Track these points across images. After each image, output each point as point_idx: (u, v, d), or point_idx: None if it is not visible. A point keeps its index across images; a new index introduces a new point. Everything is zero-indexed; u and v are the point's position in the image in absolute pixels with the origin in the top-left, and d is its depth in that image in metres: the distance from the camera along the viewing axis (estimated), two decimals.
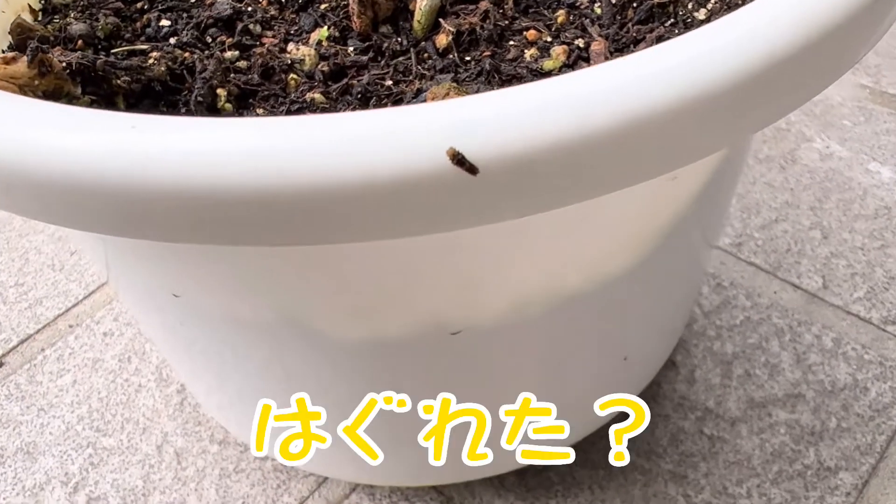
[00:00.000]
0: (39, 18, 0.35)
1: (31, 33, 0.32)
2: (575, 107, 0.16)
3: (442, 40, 0.34)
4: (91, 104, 0.30)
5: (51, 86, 0.29)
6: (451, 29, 0.34)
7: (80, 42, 0.33)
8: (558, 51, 0.32)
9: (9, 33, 0.32)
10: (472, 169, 0.15)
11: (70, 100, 0.29)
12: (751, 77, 0.17)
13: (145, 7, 0.35)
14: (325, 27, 0.35)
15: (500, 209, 0.16)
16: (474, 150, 0.15)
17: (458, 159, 0.15)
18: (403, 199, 0.15)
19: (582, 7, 0.34)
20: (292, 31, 0.35)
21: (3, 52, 0.32)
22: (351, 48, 0.35)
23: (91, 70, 0.30)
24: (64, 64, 0.29)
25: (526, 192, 0.16)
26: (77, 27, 0.33)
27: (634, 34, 0.33)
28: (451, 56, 0.34)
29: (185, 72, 0.33)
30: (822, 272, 0.47)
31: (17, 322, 0.49)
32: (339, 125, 0.16)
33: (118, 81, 0.31)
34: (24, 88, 0.28)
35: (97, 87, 0.30)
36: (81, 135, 0.16)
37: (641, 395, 0.41)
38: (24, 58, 0.28)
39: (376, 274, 0.21)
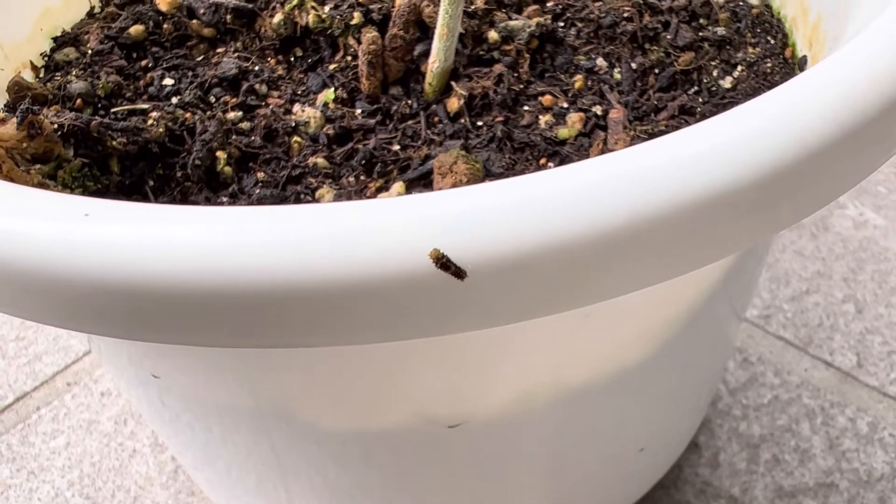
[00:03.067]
0: (41, 75, 0.34)
1: (27, 92, 0.31)
2: (578, 202, 0.14)
3: (453, 104, 0.33)
4: (83, 167, 0.29)
5: (40, 148, 0.27)
6: (464, 93, 0.33)
7: (79, 101, 0.32)
8: (574, 118, 0.31)
9: (6, 91, 0.31)
10: (458, 273, 0.13)
11: (61, 163, 0.28)
12: (786, 169, 0.15)
13: (149, 65, 0.34)
14: (333, 88, 0.34)
15: (492, 315, 0.14)
16: (462, 250, 0.13)
17: (443, 262, 0.13)
18: (380, 305, 0.13)
19: (600, 72, 0.32)
20: (299, 92, 0.34)
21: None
22: (359, 110, 0.33)
23: (85, 132, 0.29)
24: (56, 126, 0.28)
25: (522, 298, 0.14)
26: (77, 85, 0.32)
27: (656, 102, 0.31)
28: (462, 121, 0.32)
29: (185, 133, 0.32)
30: (856, 349, 0.44)
31: (15, 378, 0.47)
32: (307, 219, 0.14)
33: (113, 143, 0.30)
34: (12, 151, 0.27)
35: (90, 150, 0.29)
36: (29, 220, 0.15)
37: (660, 481, 0.38)
38: (13, 119, 0.27)
39: (361, 368, 0.20)
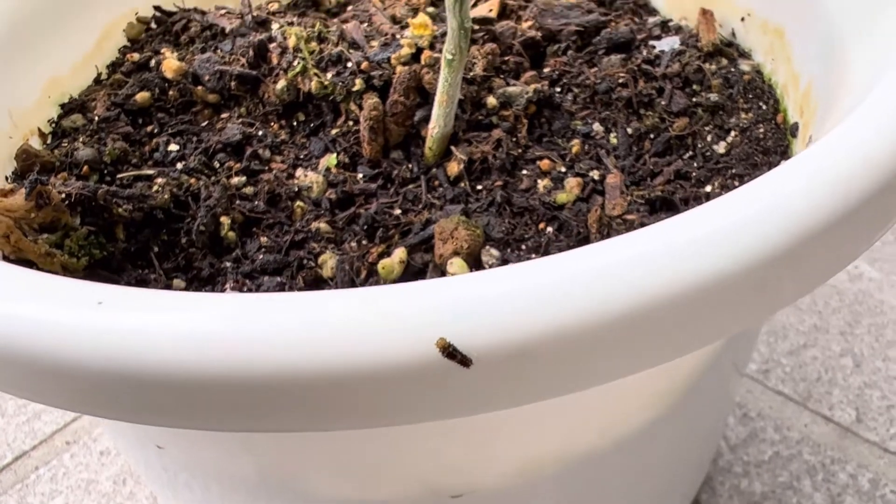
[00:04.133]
0: (49, 142, 0.35)
1: (35, 160, 0.32)
2: (579, 290, 0.14)
3: (453, 168, 0.33)
4: (89, 235, 0.29)
5: (48, 218, 0.28)
6: (463, 157, 0.33)
7: (85, 168, 0.32)
8: (572, 183, 0.31)
9: (14, 158, 0.32)
10: (464, 361, 0.14)
11: (67, 231, 0.29)
12: (784, 254, 0.16)
13: (155, 130, 0.35)
14: (335, 153, 0.34)
15: (497, 400, 0.14)
16: (468, 339, 0.14)
17: (449, 351, 0.13)
18: (388, 393, 0.14)
19: (597, 137, 0.33)
20: (302, 156, 0.35)
21: (7, 178, 0.32)
22: (360, 175, 0.34)
23: (92, 200, 0.29)
24: (63, 195, 0.28)
25: (525, 383, 0.14)
26: (84, 152, 0.32)
27: (651, 167, 0.32)
28: (462, 185, 0.33)
29: (189, 198, 0.32)
30: (855, 404, 0.44)
31: (14, 437, 0.47)
32: (314, 309, 0.14)
33: (119, 210, 0.30)
34: (20, 221, 0.27)
35: (97, 217, 0.30)
36: (45, 307, 0.15)
37: None
38: (23, 189, 0.27)
39: (365, 442, 0.20)
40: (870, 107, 0.19)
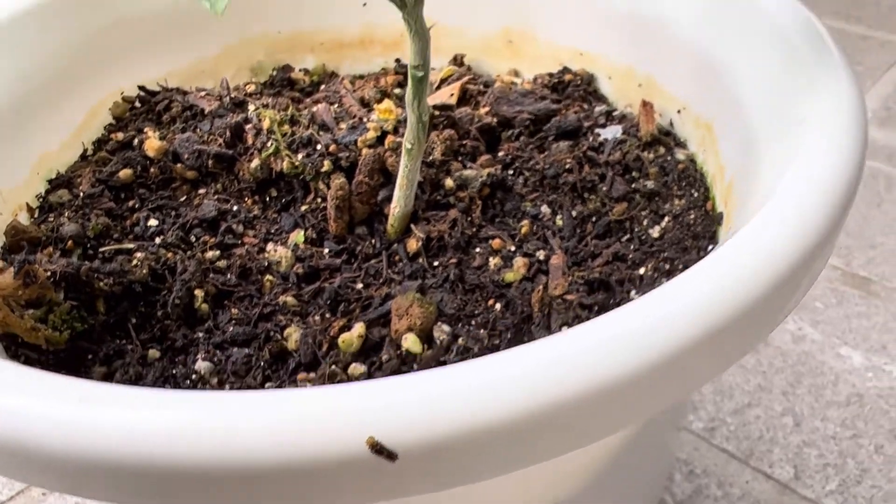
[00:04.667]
0: (36, 216, 0.37)
1: (24, 235, 0.34)
2: (496, 389, 0.17)
3: (412, 245, 0.36)
4: (72, 309, 0.32)
5: (34, 295, 0.30)
6: (421, 235, 0.36)
7: (70, 242, 0.35)
8: (519, 263, 0.34)
9: (3, 234, 0.34)
10: (390, 456, 0.16)
11: (52, 306, 0.31)
12: (667, 360, 0.19)
13: (136, 205, 0.38)
14: (304, 229, 0.37)
15: (419, 486, 0.17)
16: (393, 436, 0.16)
17: (377, 448, 0.16)
18: (321, 485, 0.16)
19: (544, 219, 0.36)
20: (273, 230, 0.37)
21: None
22: (326, 250, 0.36)
23: (75, 277, 0.32)
24: (49, 273, 0.31)
25: (447, 472, 0.17)
26: (69, 228, 0.35)
27: (592, 248, 0.35)
28: (420, 260, 0.36)
29: (166, 272, 0.35)
30: (794, 462, 0.47)
31: None
32: (264, 407, 0.17)
33: (100, 285, 0.32)
34: (8, 299, 0.29)
35: (79, 292, 0.32)
36: (31, 402, 0.18)
37: None
38: (11, 269, 0.30)
39: None
40: (755, 227, 0.22)
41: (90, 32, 0.39)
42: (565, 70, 0.43)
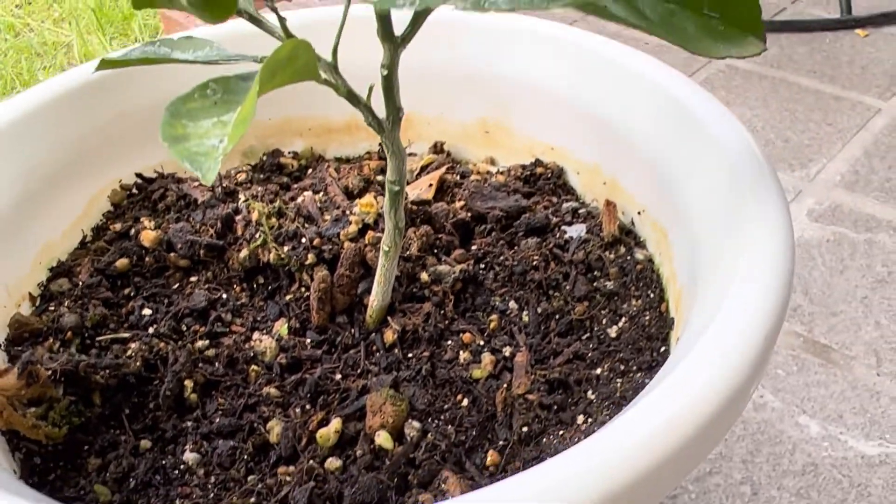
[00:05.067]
0: (38, 304, 0.40)
1: (26, 328, 0.37)
2: None
3: (389, 336, 0.39)
4: (70, 405, 0.34)
5: (36, 393, 0.33)
6: (397, 327, 0.39)
7: (69, 333, 0.37)
8: (487, 360, 0.37)
9: (7, 326, 0.37)
10: None
11: (52, 403, 0.34)
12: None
13: (132, 294, 0.40)
14: (287, 319, 0.40)
15: None
16: None
17: None
18: None
19: (512, 315, 0.39)
20: (259, 318, 0.40)
21: (1, 345, 0.37)
22: (309, 339, 0.39)
23: (75, 373, 0.34)
24: (50, 371, 0.34)
25: None
26: (68, 319, 0.37)
27: (555, 346, 0.37)
28: (395, 351, 0.38)
29: (158, 362, 0.37)
30: None
31: None
32: None
33: (97, 378, 0.35)
34: (12, 399, 0.32)
35: (77, 387, 0.35)
36: None
37: None
38: (14, 370, 0.32)
39: None
40: (684, 373, 0.25)
41: (91, 128, 0.42)
42: (538, 162, 0.46)
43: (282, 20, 0.31)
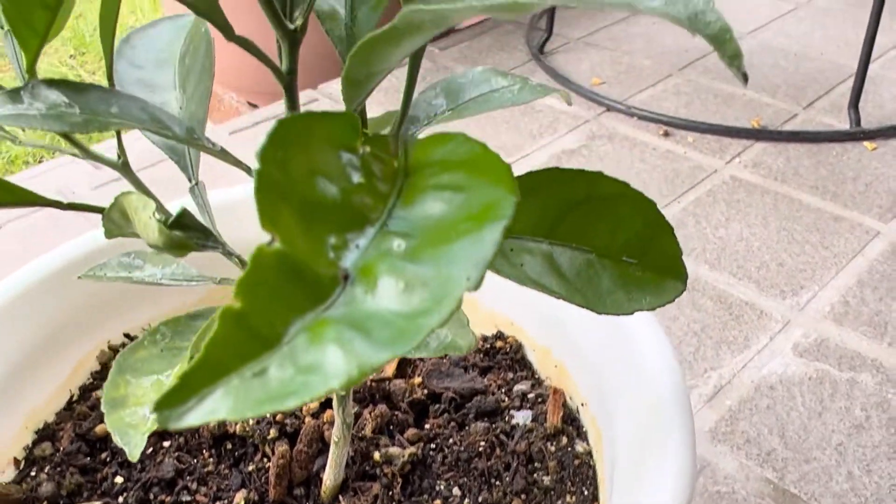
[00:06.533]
0: (22, 467, 0.43)
1: (5, 499, 0.40)
2: None
3: None
4: None
5: None
6: None
7: (45, 502, 0.41)
8: None
9: None
10: None
11: None
12: None
13: (107, 458, 0.44)
14: (247, 491, 0.42)
15: None
16: None
17: None
18: None
19: (454, 502, 0.41)
20: (222, 487, 0.43)
21: None
22: None
23: None
24: None
25: None
26: (45, 488, 0.41)
27: None
28: None
29: None
30: None
31: None
32: None
33: None
34: None
35: None
36: None
37: None
38: None
39: None
40: None
41: (80, 299, 0.45)
42: (498, 336, 0.49)
43: (237, 257, 0.34)
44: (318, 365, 0.15)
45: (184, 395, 0.14)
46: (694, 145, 1.01)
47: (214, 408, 0.14)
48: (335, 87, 1.19)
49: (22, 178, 0.97)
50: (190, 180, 0.37)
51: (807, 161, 0.97)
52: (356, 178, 0.19)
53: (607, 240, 0.33)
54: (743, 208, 0.90)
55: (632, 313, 0.32)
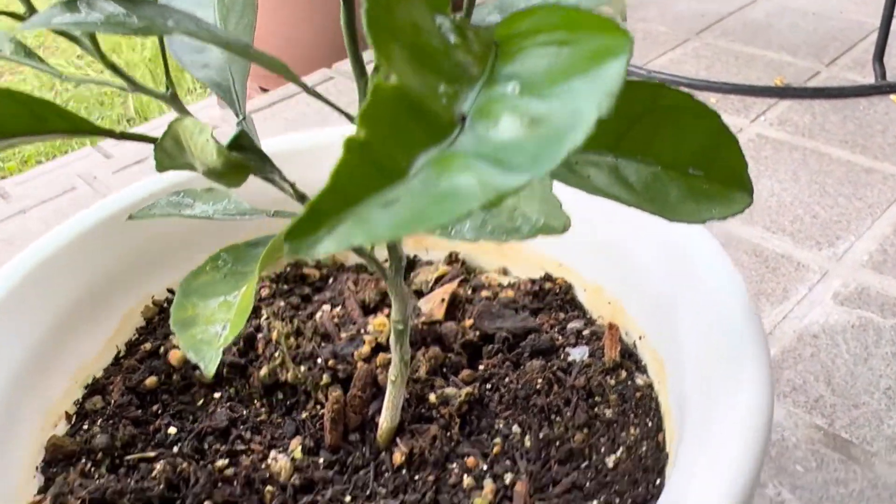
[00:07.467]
0: (74, 422, 0.42)
1: (61, 451, 0.40)
2: None
3: (397, 458, 0.41)
4: None
5: None
6: (405, 449, 0.41)
7: (100, 454, 0.40)
8: (488, 489, 0.38)
9: (45, 448, 0.40)
10: None
11: None
12: None
13: (159, 410, 0.43)
14: (302, 438, 0.42)
15: None
16: None
17: None
18: None
19: (514, 439, 0.40)
20: (277, 436, 0.42)
21: (37, 468, 0.40)
22: (322, 459, 0.41)
23: (104, 500, 0.37)
24: (79, 500, 0.36)
25: None
26: (100, 440, 0.40)
27: (554, 475, 0.39)
28: (403, 472, 0.40)
29: (181, 482, 0.40)
30: None
31: None
32: None
33: (123, 501, 0.38)
34: None
35: None
36: None
37: None
38: (48, 502, 0.35)
39: None
40: None
41: (125, 252, 0.45)
42: (546, 277, 0.48)
43: (291, 185, 0.34)
44: (453, 191, 0.14)
45: (314, 225, 0.14)
46: (717, 106, 1.00)
47: (349, 233, 0.13)
48: (347, 66, 1.18)
49: (44, 170, 0.97)
50: (237, 114, 0.36)
51: (833, 116, 0.96)
52: (452, 38, 0.19)
53: (672, 152, 0.32)
54: (772, 165, 0.89)
55: (703, 221, 0.31)
